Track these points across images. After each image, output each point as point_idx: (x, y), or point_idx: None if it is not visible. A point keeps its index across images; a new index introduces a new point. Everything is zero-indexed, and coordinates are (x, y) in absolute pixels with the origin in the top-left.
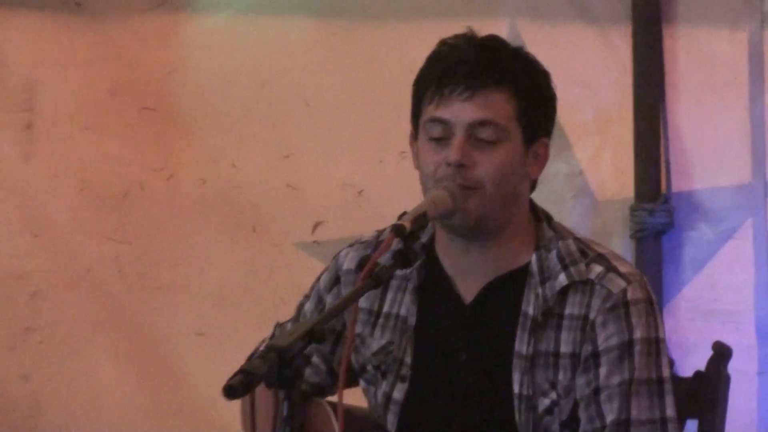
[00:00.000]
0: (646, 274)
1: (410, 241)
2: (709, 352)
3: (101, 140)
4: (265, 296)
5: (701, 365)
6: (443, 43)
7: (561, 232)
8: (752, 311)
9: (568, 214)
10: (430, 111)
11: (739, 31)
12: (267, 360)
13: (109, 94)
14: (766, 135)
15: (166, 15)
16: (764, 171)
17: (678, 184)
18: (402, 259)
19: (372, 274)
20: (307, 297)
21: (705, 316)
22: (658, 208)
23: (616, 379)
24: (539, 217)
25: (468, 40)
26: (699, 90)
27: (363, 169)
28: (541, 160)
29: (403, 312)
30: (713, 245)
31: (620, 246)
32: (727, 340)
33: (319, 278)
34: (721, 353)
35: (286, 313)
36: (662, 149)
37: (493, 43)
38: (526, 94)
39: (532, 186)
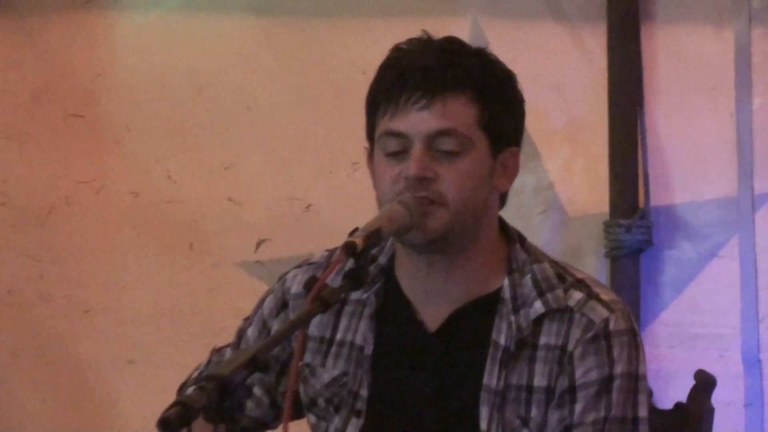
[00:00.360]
0: (623, 296)
1: (362, 259)
2: (691, 382)
3: (23, 150)
4: (204, 320)
5: (682, 396)
6: (396, 49)
7: (536, 255)
8: (738, 337)
9: (536, 230)
10: (385, 124)
11: (724, 31)
12: (206, 391)
13: (31, 99)
14: (753, 144)
15: (93, 13)
16: (751, 183)
17: (657, 198)
18: (353, 280)
19: (320, 297)
20: (248, 321)
21: (687, 342)
22: (635, 225)
23: (590, 417)
24: (511, 237)
25: (423, 43)
26: (680, 95)
27: (311, 181)
28: (510, 171)
29: (358, 340)
30: (696, 264)
31: (594, 265)
32: (711, 368)
33: (262, 301)
34: (705, 383)
35: (226, 339)
36: (640, 160)
37: (451, 45)
38: (490, 97)
39: (502, 201)
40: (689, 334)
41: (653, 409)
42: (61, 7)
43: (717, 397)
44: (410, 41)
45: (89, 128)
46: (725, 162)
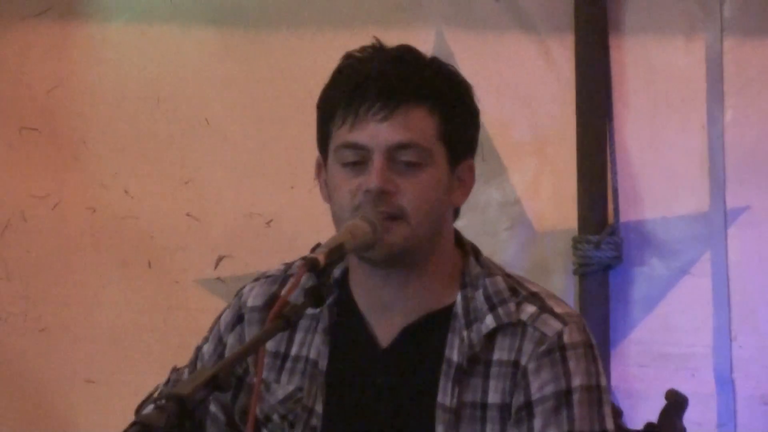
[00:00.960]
0: (592, 314)
1: (324, 276)
2: (662, 402)
3: None
4: (163, 339)
5: (653, 416)
6: (349, 56)
7: (489, 268)
8: (710, 356)
9: (502, 247)
10: (343, 135)
11: (695, 41)
12: (166, 410)
13: None
14: (725, 158)
15: (50, 23)
16: (724, 198)
17: (627, 214)
18: (315, 296)
19: (282, 315)
20: (206, 339)
21: (657, 361)
22: (604, 241)
23: None
24: (466, 251)
25: (377, 51)
26: (650, 107)
27: (272, 196)
28: (466, 185)
29: (312, 355)
30: (667, 282)
31: (562, 283)
32: (683, 388)
33: (219, 317)
34: (676, 403)
35: (186, 357)
36: (609, 174)
37: (407, 54)
38: (449, 109)
39: (455, 214)
40: (660, 353)
41: (622, 430)
42: (17, 17)
43: (689, 418)
44: (363, 49)
45: (45, 142)
46: (696, 176)
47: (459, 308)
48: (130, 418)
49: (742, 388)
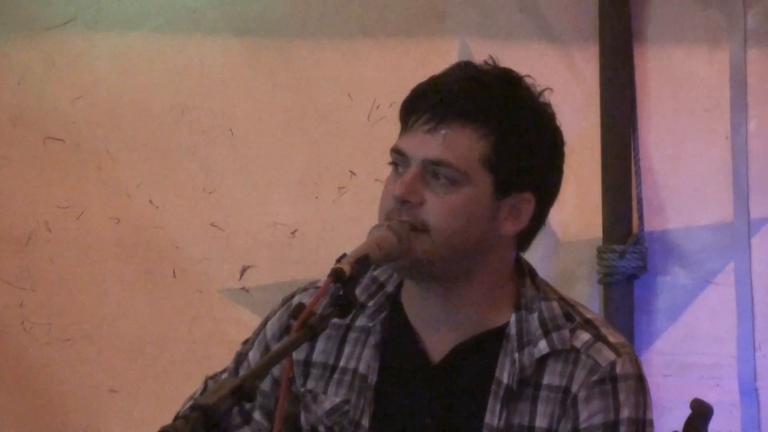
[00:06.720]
0: (616, 323)
1: (350, 286)
2: (687, 411)
3: (2, 175)
4: (187, 349)
5: (678, 426)
6: (445, 70)
7: (545, 292)
8: (734, 365)
9: (527, 256)
10: (398, 139)
11: (718, 51)
12: (190, 421)
13: (10, 123)
14: (749, 167)
15: (73, 34)
16: (747, 208)
17: (651, 223)
18: (341, 306)
19: (307, 324)
20: (249, 344)
21: (682, 371)
22: (629, 250)
23: None
24: (522, 272)
25: (460, 68)
26: (674, 117)
27: (296, 206)
28: (521, 217)
29: (362, 368)
30: (691, 291)
31: (586, 292)
32: (707, 397)
33: (265, 324)
34: (701, 412)
35: (210, 367)
36: (633, 184)
37: (479, 73)
38: (506, 136)
39: (520, 244)
40: (684, 362)
41: None
42: (41, 27)
43: (713, 427)
44: (458, 64)
45: (69, 152)
46: (720, 186)
47: (512, 330)
48: (154, 427)
49: (766, 397)
